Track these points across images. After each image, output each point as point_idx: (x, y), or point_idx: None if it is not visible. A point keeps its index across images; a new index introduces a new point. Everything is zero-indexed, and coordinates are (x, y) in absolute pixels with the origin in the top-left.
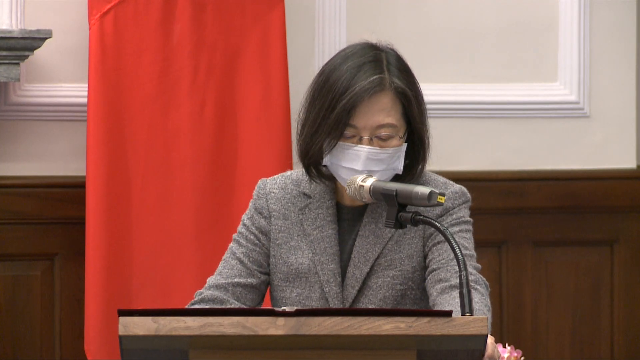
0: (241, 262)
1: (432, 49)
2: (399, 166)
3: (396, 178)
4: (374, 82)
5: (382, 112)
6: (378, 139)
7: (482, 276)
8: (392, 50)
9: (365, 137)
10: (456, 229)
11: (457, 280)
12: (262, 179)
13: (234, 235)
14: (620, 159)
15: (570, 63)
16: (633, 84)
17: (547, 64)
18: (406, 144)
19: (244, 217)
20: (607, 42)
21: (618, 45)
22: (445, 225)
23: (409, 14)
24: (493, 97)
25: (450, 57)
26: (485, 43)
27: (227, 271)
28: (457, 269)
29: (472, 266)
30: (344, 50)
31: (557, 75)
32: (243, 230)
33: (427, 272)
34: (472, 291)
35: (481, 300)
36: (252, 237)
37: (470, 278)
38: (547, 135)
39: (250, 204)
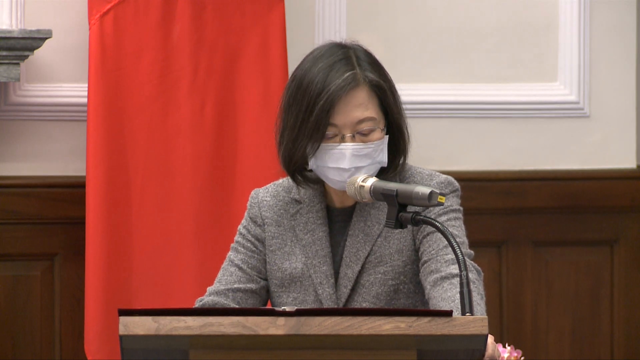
0: (240, 268)
1: (432, 49)
2: (384, 159)
3: (381, 171)
4: (347, 79)
5: (360, 106)
6: (360, 134)
7: (473, 262)
8: (359, 46)
9: (347, 135)
10: (444, 217)
11: (448, 270)
12: (255, 189)
13: (232, 245)
14: (620, 159)
15: (570, 63)
16: (633, 84)
17: (547, 64)
18: (387, 136)
19: (240, 226)
20: (607, 42)
21: (618, 45)
22: (433, 216)
23: (409, 14)
24: (493, 97)
25: (450, 57)
26: (485, 43)
27: (227, 278)
28: (447, 259)
29: (466, 253)
30: (311, 53)
31: (557, 75)
32: (240, 238)
33: (420, 264)
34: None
35: (473, 289)
36: (249, 244)
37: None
38: (547, 135)
39: (245, 214)
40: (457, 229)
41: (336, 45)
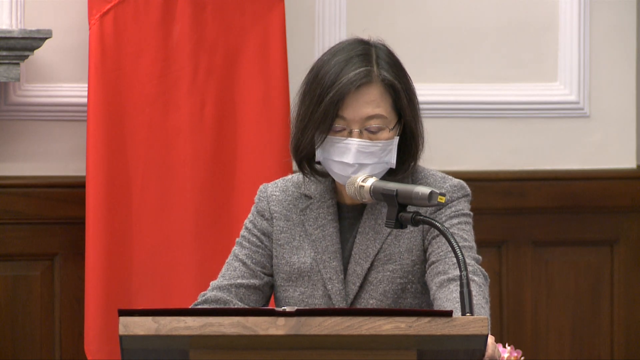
0: (244, 263)
1: (432, 49)
2: (392, 160)
3: (389, 172)
4: (360, 74)
5: (371, 103)
6: (368, 131)
7: (481, 267)
8: (383, 45)
9: (355, 130)
10: (455, 221)
11: (456, 272)
12: (264, 184)
13: (237, 239)
14: (620, 159)
15: (570, 63)
16: (633, 84)
17: (547, 64)
18: (398, 137)
19: (246, 221)
20: (607, 42)
21: (618, 45)
22: (444, 218)
23: (409, 14)
24: (493, 97)
25: (450, 57)
26: (485, 43)
27: (230, 273)
28: (455, 261)
29: (472, 257)
30: (334, 46)
31: (557, 75)
32: (245, 233)
33: (427, 265)
34: (474, 285)
35: (479, 293)
36: (254, 239)
37: (468, 269)
38: (547, 135)
39: (252, 208)
40: (467, 233)
41: (359, 41)
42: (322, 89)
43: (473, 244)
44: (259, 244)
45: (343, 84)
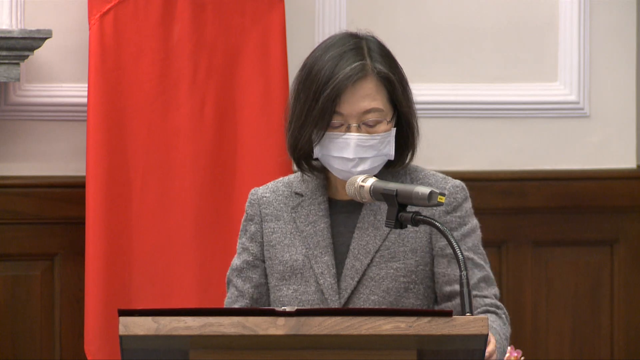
0: (237, 288)
1: (432, 49)
2: (390, 151)
3: (388, 164)
4: (356, 69)
5: (367, 97)
6: (366, 125)
7: (502, 305)
8: (373, 37)
9: (353, 125)
10: (469, 243)
11: (484, 307)
12: (254, 188)
13: (232, 260)
14: (620, 159)
15: (570, 63)
16: (633, 84)
17: (547, 64)
18: (395, 128)
19: (240, 231)
20: (607, 42)
21: (618, 45)
22: (455, 224)
23: (409, 13)
24: (493, 97)
25: (450, 57)
26: (485, 43)
27: (227, 300)
28: (479, 294)
29: (493, 294)
30: (324, 41)
31: (557, 75)
32: (239, 247)
33: (439, 285)
34: (496, 317)
35: (502, 328)
36: (245, 254)
37: (492, 302)
38: (547, 135)
39: (243, 217)
40: (481, 257)
41: (349, 34)
42: (317, 86)
43: (490, 272)
44: (248, 258)
45: (339, 79)
